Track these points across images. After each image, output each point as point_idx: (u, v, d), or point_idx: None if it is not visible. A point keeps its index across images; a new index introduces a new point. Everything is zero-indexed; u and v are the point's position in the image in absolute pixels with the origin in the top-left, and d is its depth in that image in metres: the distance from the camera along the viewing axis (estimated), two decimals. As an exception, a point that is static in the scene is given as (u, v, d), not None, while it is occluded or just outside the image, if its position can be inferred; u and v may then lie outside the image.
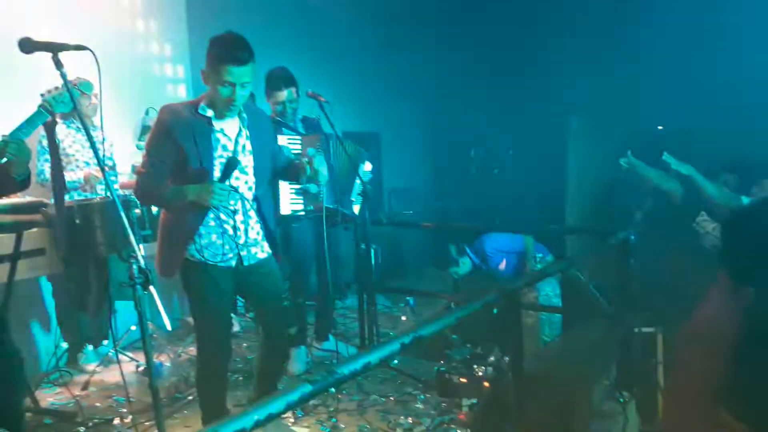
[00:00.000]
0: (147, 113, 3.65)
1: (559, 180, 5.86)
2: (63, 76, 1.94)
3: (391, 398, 3.30)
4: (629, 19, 5.83)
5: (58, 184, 2.40)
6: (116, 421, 3.21)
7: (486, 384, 3.17)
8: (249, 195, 2.54)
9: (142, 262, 2.01)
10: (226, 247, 2.46)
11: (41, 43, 1.95)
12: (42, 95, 2.26)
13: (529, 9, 6.44)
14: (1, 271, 3.07)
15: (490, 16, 6.74)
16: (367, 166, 3.78)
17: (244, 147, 2.50)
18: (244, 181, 2.51)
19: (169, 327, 1.94)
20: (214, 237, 2.45)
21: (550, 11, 6.34)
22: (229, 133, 2.46)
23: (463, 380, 3.28)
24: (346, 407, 3.21)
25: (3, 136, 2.13)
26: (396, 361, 3.74)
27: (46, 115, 2.23)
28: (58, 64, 1.93)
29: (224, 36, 2.33)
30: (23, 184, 2.28)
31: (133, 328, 3.92)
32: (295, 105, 3.59)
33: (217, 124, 2.42)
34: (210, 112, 2.41)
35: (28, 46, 1.95)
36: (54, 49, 1.93)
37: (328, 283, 3.71)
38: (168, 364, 3.79)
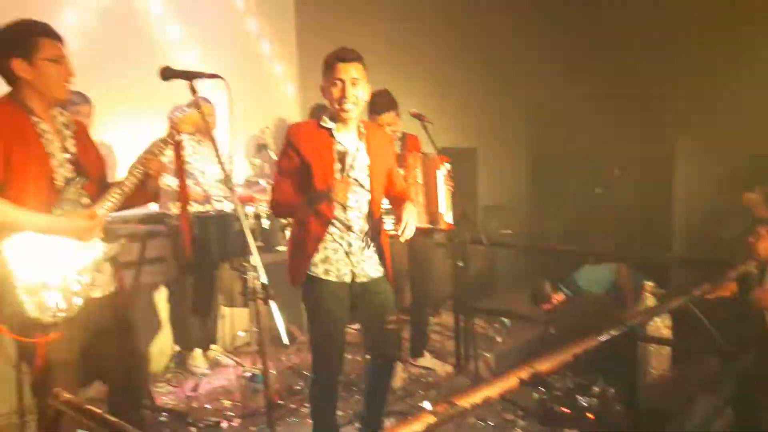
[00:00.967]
0: (263, 132, 3.84)
1: (666, 203, 5.59)
2: (196, 102, 2.09)
3: (490, 423, 3.26)
4: (745, 37, 5.49)
5: (184, 198, 2.56)
6: (224, 423, 3.37)
7: (590, 415, 3.07)
8: (364, 211, 2.59)
9: (262, 274, 2.10)
10: (341, 263, 2.53)
11: (179, 72, 2.12)
12: (169, 117, 2.43)
13: (639, 24, 6.22)
14: (126, 276, 3.33)
15: (596, 32, 6.56)
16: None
17: (361, 162, 2.57)
18: (358, 197, 2.57)
19: (286, 341, 2.02)
20: (330, 253, 2.53)
21: (661, 27, 6.08)
22: (349, 146, 2.55)
23: (566, 410, 3.19)
24: (446, 428, 3.20)
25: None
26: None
27: (174, 136, 2.35)
28: (193, 91, 2.09)
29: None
30: (155, 197, 2.48)
31: (241, 334, 4.11)
32: (395, 128, 3.66)
33: (337, 136, 2.53)
34: (331, 124, 2.52)
35: (167, 73, 2.13)
36: (190, 77, 2.10)
37: (422, 299, 3.76)
38: (272, 371, 3.93)
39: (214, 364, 4.14)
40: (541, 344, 4.11)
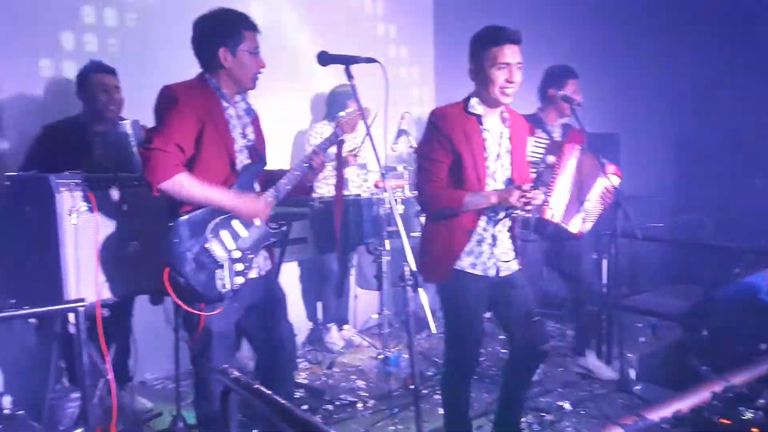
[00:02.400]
0: (403, 117, 3.82)
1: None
2: (353, 87, 2.09)
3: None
4: None
5: (340, 189, 2.64)
6: (359, 405, 3.43)
7: (755, 430, 2.77)
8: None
9: (412, 261, 2.06)
10: (486, 255, 2.44)
11: (336, 56, 2.13)
12: (340, 116, 2.52)
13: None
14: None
15: (748, 11, 5.88)
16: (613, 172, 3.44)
17: (505, 149, 2.47)
18: (501, 185, 2.46)
19: (434, 329, 1.98)
20: (475, 245, 2.44)
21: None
22: (494, 133, 2.45)
23: (725, 422, 2.90)
24: (585, 428, 3.05)
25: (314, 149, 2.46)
26: (638, 387, 3.48)
27: (339, 135, 2.51)
28: (350, 76, 2.10)
29: (489, 26, 2.36)
30: (312, 190, 2.62)
31: (374, 316, 4.17)
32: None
33: (484, 122, 2.42)
34: (479, 109, 2.41)
35: (324, 59, 2.15)
36: (347, 61, 2.10)
37: (584, 295, 3.60)
38: (405, 355, 3.95)
39: (348, 344, 4.24)
40: (691, 347, 3.77)
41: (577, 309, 3.77)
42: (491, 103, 2.40)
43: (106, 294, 2.39)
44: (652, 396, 3.33)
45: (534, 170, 2.65)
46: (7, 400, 3.17)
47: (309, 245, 3.83)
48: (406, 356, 3.89)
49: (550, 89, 3.45)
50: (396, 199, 3.81)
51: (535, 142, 3.28)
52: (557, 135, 3.50)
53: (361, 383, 3.73)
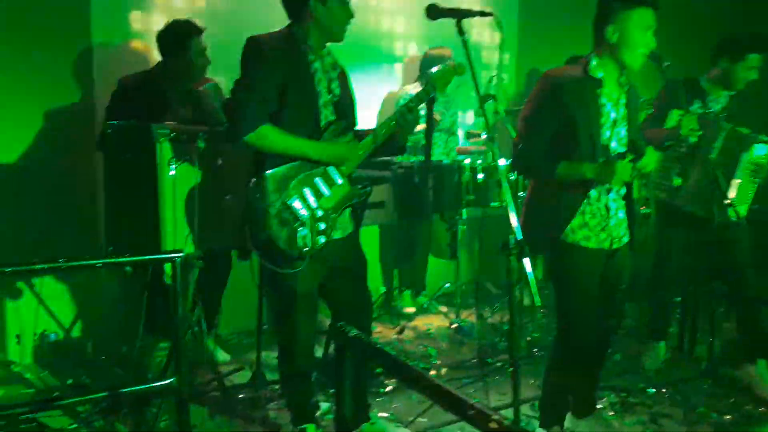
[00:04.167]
0: (490, 81, 3.68)
1: None
2: (464, 43, 1.97)
3: (727, 417, 2.91)
4: None
5: (429, 153, 2.55)
6: (432, 372, 3.40)
7: None
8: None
9: (518, 230, 1.96)
10: (599, 228, 2.30)
11: (447, 10, 2.01)
12: (431, 72, 2.39)
13: None
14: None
15: None
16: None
17: (621, 116, 2.30)
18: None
19: (538, 301, 1.88)
20: (588, 218, 2.29)
21: None
22: (613, 98, 2.28)
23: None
24: (669, 412, 2.93)
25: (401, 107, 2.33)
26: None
27: (431, 92, 2.34)
28: (461, 31, 1.97)
29: None
30: (403, 150, 2.48)
31: (447, 284, 4.12)
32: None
33: (605, 87, 2.25)
34: (600, 73, 2.24)
35: (434, 12, 2.03)
36: (459, 15, 1.97)
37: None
38: (477, 325, 3.88)
39: (421, 310, 4.21)
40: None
41: (738, 307, 3.36)
42: (619, 66, 2.23)
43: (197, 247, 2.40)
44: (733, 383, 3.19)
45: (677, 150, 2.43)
46: (89, 347, 3.30)
47: (387, 210, 3.79)
48: (477, 326, 3.82)
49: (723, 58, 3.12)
50: (477, 167, 3.71)
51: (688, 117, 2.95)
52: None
53: (433, 350, 3.69)
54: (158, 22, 3.33)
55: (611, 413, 2.88)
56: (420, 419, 2.72)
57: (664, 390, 3.15)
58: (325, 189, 2.24)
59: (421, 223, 4.08)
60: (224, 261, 3.16)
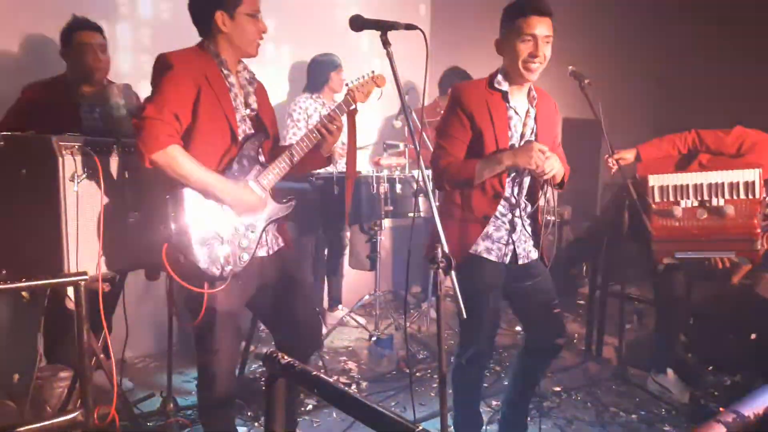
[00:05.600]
0: (407, 93, 3.69)
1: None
2: (389, 56, 1.94)
3: (633, 416, 3.06)
4: None
5: (352, 164, 2.49)
6: (353, 387, 3.35)
7: (752, 417, 2.82)
8: (527, 185, 2.39)
9: (444, 242, 1.96)
10: (503, 242, 2.33)
11: (372, 21, 1.98)
12: (347, 85, 2.36)
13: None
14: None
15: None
16: None
17: (532, 130, 2.35)
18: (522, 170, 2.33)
19: (464, 315, 1.88)
20: (492, 230, 2.32)
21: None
22: (520, 111, 2.32)
23: (722, 410, 2.94)
24: (584, 416, 3.05)
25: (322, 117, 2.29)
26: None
27: (351, 103, 2.31)
28: (386, 43, 1.94)
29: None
30: (329, 161, 2.41)
31: (367, 297, 4.08)
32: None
33: (511, 99, 2.29)
34: (505, 86, 2.27)
35: (358, 23, 1.99)
36: (383, 27, 1.94)
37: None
38: (396, 337, 3.88)
39: (340, 325, 4.15)
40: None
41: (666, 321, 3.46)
42: (516, 79, 2.25)
43: (104, 267, 2.22)
44: (641, 381, 3.37)
45: None
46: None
47: (302, 224, 3.71)
48: (396, 338, 3.82)
49: None
50: (395, 177, 3.71)
51: None
52: None
53: (352, 365, 3.64)
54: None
55: (528, 419, 2.95)
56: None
57: (576, 394, 3.29)
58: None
59: (339, 235, 4.04)
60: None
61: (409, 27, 1.94)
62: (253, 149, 2.17)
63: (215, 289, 2.07)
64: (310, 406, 3.01)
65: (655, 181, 2.97)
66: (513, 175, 2.32)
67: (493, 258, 2.32)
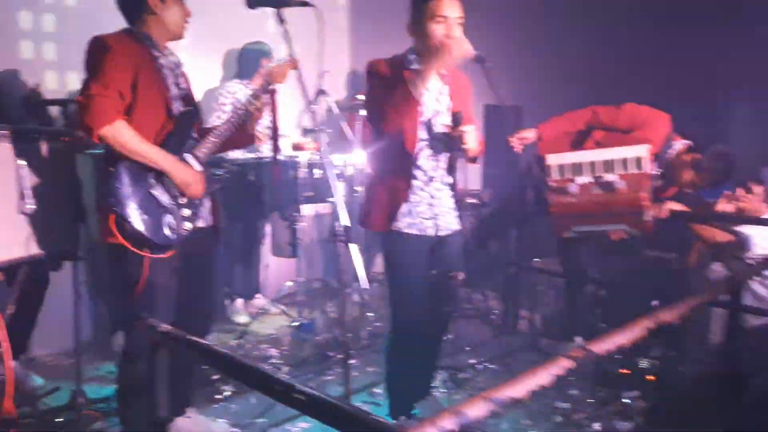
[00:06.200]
0: (322, 76, 3.69)
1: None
2: (285, 33, 1.99)
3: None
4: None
5: (277, 147, 2.58)
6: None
7: (650, 377, 3.03)
8: (445, 159, 2.46)
9: (345, 216, 2.06)
10: (424, 215, 2.41)
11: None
12: (263, 66, 2.43)
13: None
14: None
15: None
16: None
17: (444, 107, 2.43)
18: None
19: (366, 285, 1.96)
20: (412, 205, 2.40)
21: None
22: (432, 89, 2.39)
23: (625, 371, 3.15)
24: (496, 384, 3.17)
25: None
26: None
27: (270, 83, 2.40)
28: (281, 21, 1.99)
29: None
30: (253, 139, 2.54)
31: (289, 283, 4.09)
32: None
33: (424, 79, 2.31)
34: (416, 65, 2.34)
35: (254, 1, 2.03)
36: (279, 4, 2.00)
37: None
38: (319, 322, 3.91)
39: (261, 313, 4.13)
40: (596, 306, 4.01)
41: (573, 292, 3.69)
42: (429, 60, 2.28)
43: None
44: (554, 350, 3.53)
45: None
46: None
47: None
48: (320, 323, 3.85)
49: None
50: (313, 162, 3.73)
51: None
52: None
53: (274, 351, 3.64)
54: None
55: (443, 391, 3.06)
56: (259, 420, 2.69)
57: (492, 365, 3.42)
58: None
59: (257, 223, 4.02)
60: (38, 274, 2.86)
61: (305, 4, 1.99)
62: (187, 126, 2.30)
63: (161, 255, 2.16)
64: (228, 392, 3.00)
65: (552, 159, 3.12)
66: (430, 152, 2.41)
67: (415, 232, 2.40)
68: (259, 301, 4.23)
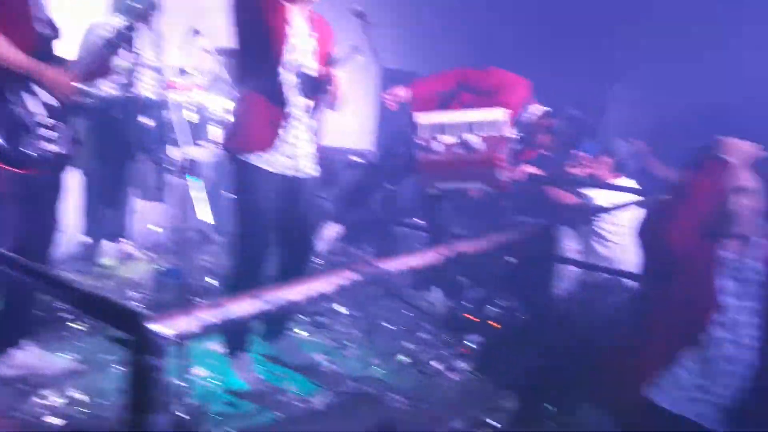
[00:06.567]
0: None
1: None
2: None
3: (400, 327, 3.39)
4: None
5: (133, 85, 2.52)
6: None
7: (495, 324, 3.27)
8: (309, 103, 2.50)
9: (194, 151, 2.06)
10: (285, 155, 2.44)
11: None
12: (135, 5, 2.39)
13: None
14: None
15: None
16: None
17: (310, 47, 2.47)
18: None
19: (211, 220, 1.97)
20: (278, 143, 2.42)
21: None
22: (299, 28, 2.43)
23: (471, 318, 3.38)
24: (354, 330, 3.31)
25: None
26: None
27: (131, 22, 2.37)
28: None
29: None
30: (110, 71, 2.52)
31: (157, 228, 3.99)
32: None
33: (294, 17, 2.40)
34: (288, 4, 2.38)
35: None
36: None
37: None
38: (186, 268, 3.85)
39: (127, 258, 4.02)
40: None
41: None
42: (297, 1, 2.38)
43: None
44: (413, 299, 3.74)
45: None
46: None
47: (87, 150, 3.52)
48: (185, 270, 3.80)
49: None
50: (188, 104, 3.63)
51: None
52: None
53: (135, 294, 3.57)
54: None
55: (301, 333, 3.16)
56: (109, 356, 2.66)
57: (351, 312, 3.55)
58: (46, 96, 2.22)
59: (124, 164, 3.87)
60: None
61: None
62: (49, 49, 2.25)
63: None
64: (80, 329, 2.93)
65: (421, 118, 3.24)
66: (297, 93, 2.43)
67: (271, 169, 2.43)
68: (126, 245, 4.10)
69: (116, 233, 4.09)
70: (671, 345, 1.55)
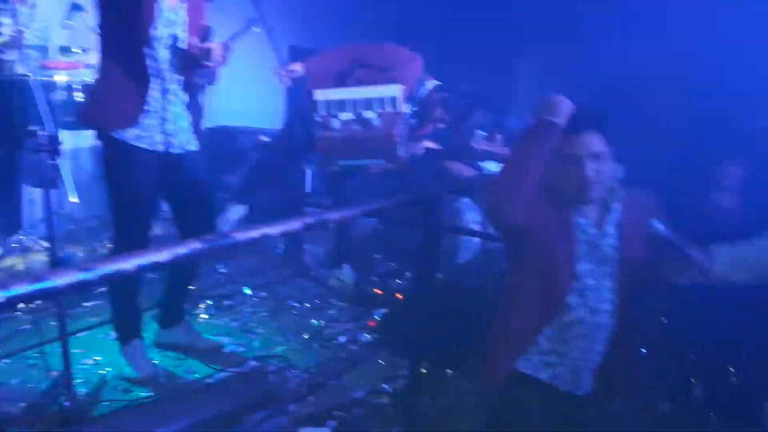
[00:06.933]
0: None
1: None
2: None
3: (307, 305, 3.42)
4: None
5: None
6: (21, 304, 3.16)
7: (399, 296, 3.35)
8: (182, 76, 2.41)
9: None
10: (156, 130, 2.34)
11: None
12: None
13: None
14: None
15: None
16: None
17: (182, 20, 2.37)
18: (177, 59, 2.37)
19: (74, 198, 1.89)
20: (144, 117, 2.31)
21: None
22: (172, 4, 2.33)
23: (378, 291, 3.45)
24: (262, 310, 3.31)
25: None
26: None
27: None
28: None
29: None
30: None
31: (51, 216, 3.79)
32: None
33: None
34: None
35: None
36: None
37: None
38: (81, 255, 3.72)
39: (20, 250, 3.82)
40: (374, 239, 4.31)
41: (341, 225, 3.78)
42: None
43: None
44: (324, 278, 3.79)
45: None
46: None
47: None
48: (81, 256, 3.67)
49: None
50: (75, 85, 3.47)
51: None
52: None
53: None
54: None
55: (204, 316, 3.13)
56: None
57: (262, 292, 3.55)
58: None
59: (11, 151, 3.67)
60: None
61: None
62: None
63: None
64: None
65: (319, 95, 3.23)
66: (167, 65, 2.34)
67: (144, 146, 2.33)
68: (20, 236, 3.90)
69: (11, 224, 3.88)
70: (532, 314, 1.62)
